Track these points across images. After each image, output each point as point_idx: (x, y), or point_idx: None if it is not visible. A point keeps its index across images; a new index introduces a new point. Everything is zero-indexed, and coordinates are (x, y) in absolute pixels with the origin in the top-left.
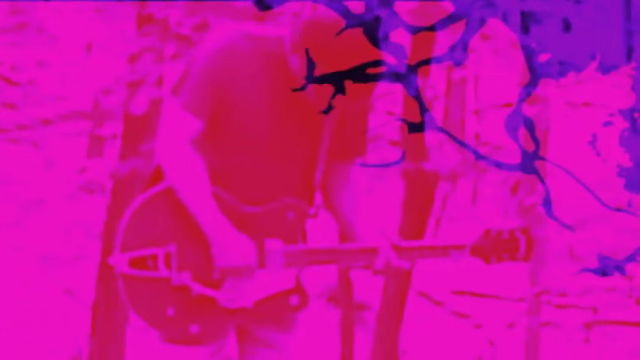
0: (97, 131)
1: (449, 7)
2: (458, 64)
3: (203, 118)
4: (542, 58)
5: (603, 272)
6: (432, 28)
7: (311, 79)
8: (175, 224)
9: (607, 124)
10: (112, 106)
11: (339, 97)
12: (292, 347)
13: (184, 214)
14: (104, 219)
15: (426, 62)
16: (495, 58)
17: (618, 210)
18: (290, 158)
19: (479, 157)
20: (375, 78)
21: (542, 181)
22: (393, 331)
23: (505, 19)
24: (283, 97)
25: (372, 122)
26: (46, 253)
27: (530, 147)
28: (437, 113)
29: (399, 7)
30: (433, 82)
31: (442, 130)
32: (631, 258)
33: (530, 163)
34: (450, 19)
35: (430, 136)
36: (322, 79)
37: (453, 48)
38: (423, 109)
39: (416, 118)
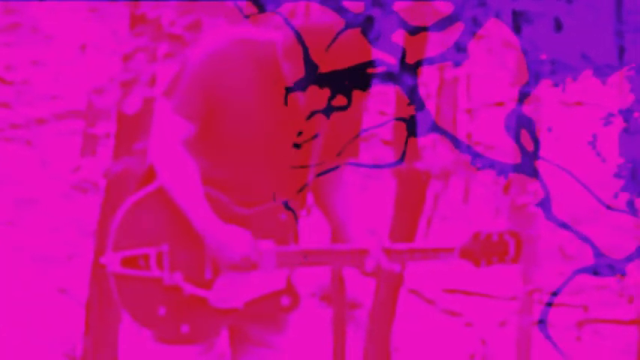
0: (91, 130)
1: (442, 7)
2: (457, 64)
3: (195, 121)
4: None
5: (595, 272)
6: (431, 29)
7: (307, 82)
8: (168, 224)
9: (607, 123)
10: (105, 106)
11: (338, 98)
12: (285, 345)
13: (177, 214)
14: (98, 217)
15: (428, 62)
16: (487, 57)
17: (612, 209)
18: (282, 160)
19: (475, 155)
20: (369, 80)
21: (542, 182)
22: (385, 329)
23: (497, 18)
24: (275, 101)
25: (364, 121)
26: (40, 252)
27: (529, 147)
28: (427, 112)
29: (398, 7)
30: (425, 80)
31: (443, 130)
32: (630, 259)
33: (529, 163)
34: (449, 20)
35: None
36: (319, 82)
37: (451, 48)
38: (421, 108)
39: (410, 118)
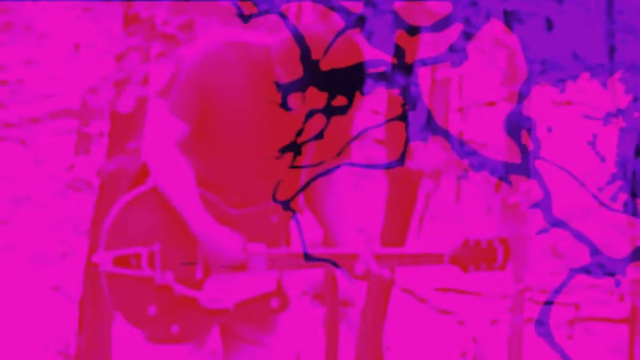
0: (85, 129)
1: (435, 7)
2: (455, 65)
3: (190, 122)
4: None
5: (588, 271)
6: (431, 29)
7: (306, 83)
8: (160, 224)
9: (606, 123)
10: (99, 105)
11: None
12: (276, 344)
13: (169, 214)
14: (91, 216)
15: (428, 63)
16: (479, 57)
17: (609, 207)
18: (274, 162)
19: (469, 153)
20: (363, 82)
21: (542, 182)
22: (377, 328)
23: (488, 18)
24: (267, 104)
25: (358, 121)
26: (34, 250)
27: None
28: (421, 111)
29: (397, 6)
30: (417, 80)
31: (436, 129)
32: (629, 259)
33: (522, 162)
34: (446, 21)
35: (414, 134)
36: (318, 84)
37: (451, 49)
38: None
39: (401, 117)
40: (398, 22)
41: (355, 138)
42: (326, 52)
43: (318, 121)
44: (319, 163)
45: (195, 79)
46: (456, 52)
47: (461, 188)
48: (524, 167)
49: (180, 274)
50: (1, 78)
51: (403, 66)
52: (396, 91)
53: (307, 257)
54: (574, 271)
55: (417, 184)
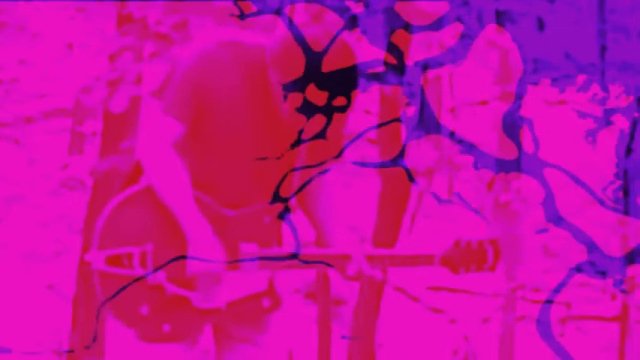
0: (78, 128)
1: (427, 7)
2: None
3: (184, 122)
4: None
5: (578, 269)
6: (426, 29)
7: (305, 82)
8: (152, 224)
9: (609, 123)
10: (92, 104)
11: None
12: (269, 343)
13: (162, 214)
14: (85, 215)
15: (426, 62)
16: (471, 56)
17: (606, 206)
18: (266, 163)
19: (467, 147)
20: (357, 83)
21: (544, 183)
22: (369, 326)
23: (480, 18)
24: (261, 105)
25: (351, 120)
26: (28, 249)
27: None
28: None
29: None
30: (409, 79)
31: (430, 128)
32: (627, 260)
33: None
34: (442, 21)
35: (407, 133)
36: (319, 84)
37: (450, 49)
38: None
39: (393, 116)
40: (393, 21)
41: (357, 138)
42: (326, 52)
43: (313, 120)
44: (320, 164)
45: (190, 80)
46: (456, 53)
47: (453, 187)
48: (516, 165)
49: (172, 273)
50: None
51: (400, 66)
52: (398, 90)
53: (299, 258)
54: (573, 270)
55: (409, 183)
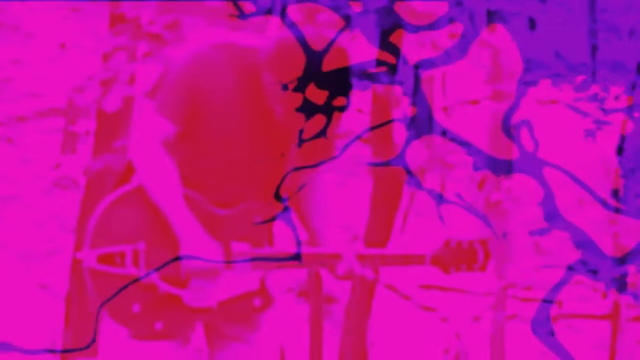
0: (71, 128)
1: (419, 7)
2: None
3: (176, 122)
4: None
5: (569, 267)
6: (430, 28)
7: (305, 82)
8: (145, 223)
9: (606, 123)
10: (85, 104)
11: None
12: (260, 341)
13: (154, 213)
14: (78, 214)
15: (424, 62)
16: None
17: (605, 205)
18: (258, 163)
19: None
20: (350, 83)
21: (543, 182)
22: (361, 324)
23: (471, 17)
24: (254, 106)
25: (344, 120)
26: (21, 248)
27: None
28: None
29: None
30: (401, 79)
31: (423, 127)
32: (620, 260)
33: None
34: (449, 21)
35: (399, 132)
36: (320, 84)
37: (449, 50)
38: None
39: (385, 116)
40: (386, 20)
41: (356, 138)
42: (327, 51)
43: (313, 120)
44: (321, 164)
45: (183, 81)
46: (453, 53)
47: (445, 186)
48: (507, 165)
49: (165, 272)
50: None
51: (394, 65)
52: (399, 90)
53: (292, 257)
54: (571, 270)
55: (402, 182)
